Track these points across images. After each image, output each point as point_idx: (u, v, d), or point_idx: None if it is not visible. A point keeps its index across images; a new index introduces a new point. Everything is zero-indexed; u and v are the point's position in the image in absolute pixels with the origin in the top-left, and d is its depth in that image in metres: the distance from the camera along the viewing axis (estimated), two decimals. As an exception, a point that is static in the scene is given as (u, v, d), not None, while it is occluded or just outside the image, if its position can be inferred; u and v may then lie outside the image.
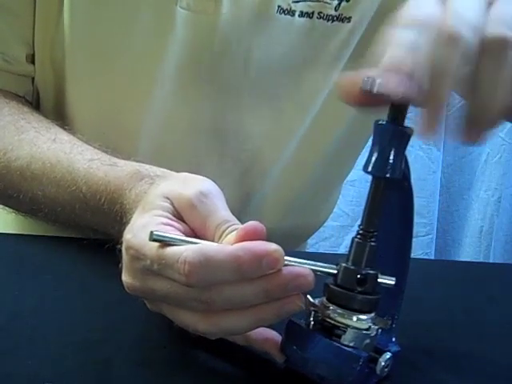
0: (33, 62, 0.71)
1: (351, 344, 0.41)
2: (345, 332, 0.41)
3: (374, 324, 0.42)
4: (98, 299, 0.52)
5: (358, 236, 0.42)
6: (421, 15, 0.41)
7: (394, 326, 0.47)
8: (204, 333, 0.43)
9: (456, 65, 0.39)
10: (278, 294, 0.42)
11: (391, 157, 0.40)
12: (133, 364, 0.44)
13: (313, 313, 0.42)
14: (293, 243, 0.84)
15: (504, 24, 0.40)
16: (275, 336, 0.45)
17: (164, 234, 0.42)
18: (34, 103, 0.75)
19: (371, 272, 0.41)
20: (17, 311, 0.49)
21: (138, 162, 0.58)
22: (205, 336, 0.43)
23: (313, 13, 0.69)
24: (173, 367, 0.44)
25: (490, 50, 0.40)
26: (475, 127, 0.41)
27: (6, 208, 0.68)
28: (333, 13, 0.69)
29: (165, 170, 0.55)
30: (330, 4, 0.69)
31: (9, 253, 0.60)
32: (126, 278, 0.46)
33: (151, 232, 0.42)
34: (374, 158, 0.40)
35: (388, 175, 0.40)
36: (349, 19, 0.70)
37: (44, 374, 0.41)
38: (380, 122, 0.41)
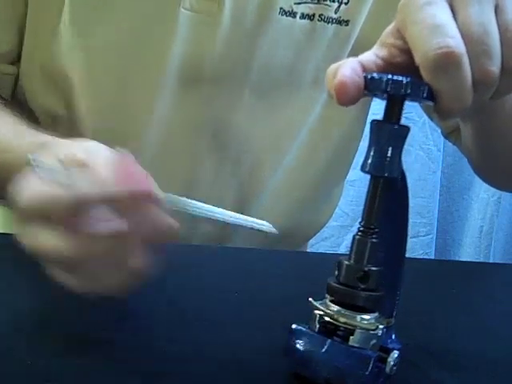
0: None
1: (359, 345, 0.41)
2: (351, 333, 0.41)
3: (379, 323, 0.42)
4: (98, 299, 0.52)
5: (359, 233, 0.42)
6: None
7: (392, 323, 0.46)
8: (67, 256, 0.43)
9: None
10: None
11: (389, 156, 0.40)
12: (133, 364, 0.44)
13: (317, 316, 0.42)
14: (294, 244, 0.84)
15: None
16: None
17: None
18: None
19: (374, 268, 0.41)
20: (17, 311, 0.49)
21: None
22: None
23: (314, 15, 0.69)
24: (173, 367, 0.44)
25: None
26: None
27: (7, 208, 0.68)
28: (333, 15, 0.70)
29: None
30: (330, 6, 0.69)
31: (9, 253, 0.59)
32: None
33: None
34: (371, 158, 0.40)
35: (386, 174, 0.40)
36: (346, 22, 0.71)
37: (44, 374, 0.41)
38: (377, 121, 0.41)
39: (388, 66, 0.41)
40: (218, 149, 0.74)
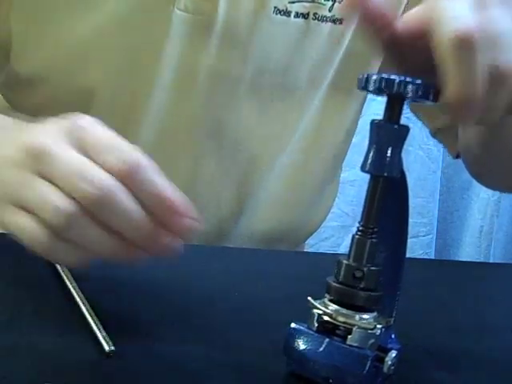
0: None
1: (357, 344, 0.41)
2: (349, 332, 0.41)
3: (378, 323, 0.42)
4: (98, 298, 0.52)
5: (359, 233, 0.42)
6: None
7: (391, 323, 0.47)
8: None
9: None
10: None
11: (388, 155, 0.40)
12: (134, 363, 0.44)
13: (316, 315, 0.42)
14: (290, 244, 0.84)
15: None
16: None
17: None
18: None
19: (373, 268, 0.41)
20: (17, 311, 0.49)
21: None
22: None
23: (308, 13, 0.70)
24: (172, 365, 0.44)
25: None
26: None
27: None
28: (327, 14, 0.70)
29: None
30: (324, 5, 0.70)
31: (9, 253, 0.59)
32: None
33: None
34: (371, 157, 0.40)
35: (386, 174, 0.40)
36: (340, 21, 0.71)
37: (44, 374, 0.41)
38: (377, 121, 0.41)
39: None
40: (215, 148, 0.74)
